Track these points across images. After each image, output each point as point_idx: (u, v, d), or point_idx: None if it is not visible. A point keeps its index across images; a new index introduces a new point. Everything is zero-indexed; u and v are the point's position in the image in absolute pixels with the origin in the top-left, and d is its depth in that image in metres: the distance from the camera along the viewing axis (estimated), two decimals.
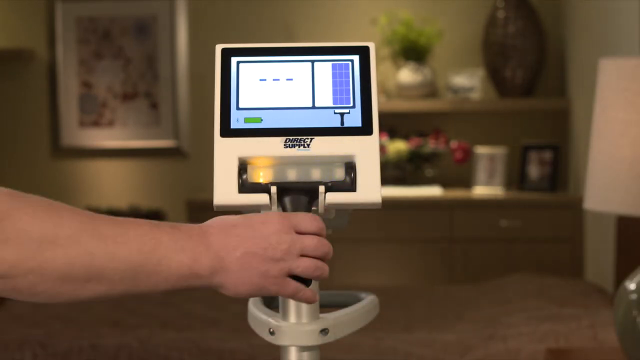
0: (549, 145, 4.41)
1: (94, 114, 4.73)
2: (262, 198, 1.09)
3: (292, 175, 1.09)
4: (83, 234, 0.97)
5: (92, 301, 1.00)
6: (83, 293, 0.98)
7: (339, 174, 1.09)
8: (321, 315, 1.12)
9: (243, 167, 1.09)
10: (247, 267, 1.02)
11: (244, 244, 1.02)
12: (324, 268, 1.06)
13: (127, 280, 0.99)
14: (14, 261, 0.93)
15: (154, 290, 1.01)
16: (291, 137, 1.10)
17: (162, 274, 1.00)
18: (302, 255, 1.04)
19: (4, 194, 0.95)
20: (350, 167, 1.09)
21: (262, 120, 1.12)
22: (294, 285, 1.04)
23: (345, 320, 1.13)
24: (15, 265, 0.94)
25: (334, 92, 1.14)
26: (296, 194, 1.09)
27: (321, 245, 1.05)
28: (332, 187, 1.09)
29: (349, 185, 1.09)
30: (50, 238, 0.95)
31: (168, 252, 1.00)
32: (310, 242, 1.04)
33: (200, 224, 1.05)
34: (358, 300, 1.19)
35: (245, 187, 1.09)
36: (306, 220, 1.05)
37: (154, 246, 0.99)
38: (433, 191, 4.34)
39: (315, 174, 1.09)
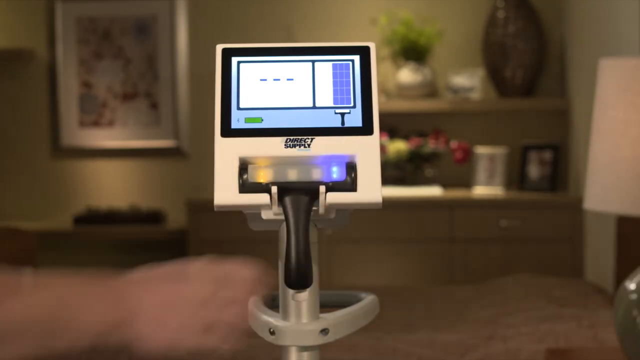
0: (549, 145, 4.41)
1: (94, 114, 4.73)
2: (262, 198, 1.09)
3: (292, 175, 1.09)
4: None
5: None
6: None
7: (340, 174, 1.09)
8: (321, 315, 1.11)
9: (244, 167, 1.09)
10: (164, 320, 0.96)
11: (160, 296, 0.96)
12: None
13: (38, 339, 0.92)
14: None
15: (70, 349, 0.95)
16: (292, 137, 1.10)
17: (73, 331, 0.94)
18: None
19: None
20: (351, 167, 1.09)
21: (262, 120, 1.12)
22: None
23: (345, 320, 1.13)
24: None
25: (335, 92, 1.14)
26: (297, 194, 1.09)
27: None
28: (333, 187, 1.09)
29: (350, 185, 1.08)
30: None
31: (77, 308, 0.95)
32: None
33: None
34: (358, 300, 1.19)
35: (246, 187, 1.08)
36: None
37: (63, 304, 0.94)
38: (433, 191, 4.34)
39: (316, 174, 1.09)
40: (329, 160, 1.09)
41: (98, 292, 0.94)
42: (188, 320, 0.95)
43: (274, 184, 1.08)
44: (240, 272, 0.97)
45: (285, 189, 1.08)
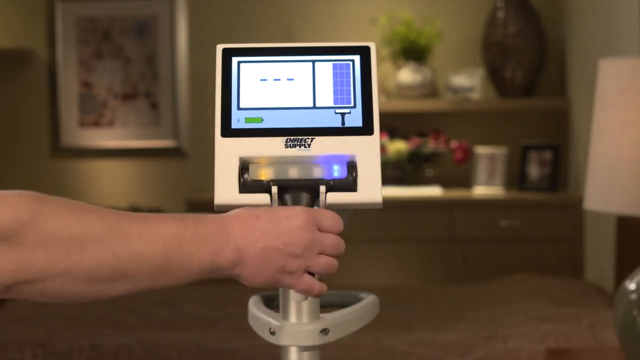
0: (549, 145, 4.41)
1: (94, 114, 4.73)
2: (263, 198, 1.09)
3: (293, 173, 1.09)
4: (109, 236, 0.98)
5: (117, 298, 1.03)
6: (109, 292, 1.00)
7: (341, 172, 1.09)
8: (321, 315, 1.12)
9: (244, 166, 1.09)
10: (266, 261, 1.04)
11: (265, 238, 1.04)
12: (336, 266, 1.09)
13: (151, 277, 1.01)
14: (42, 266, 0.94)
15: (177, 284, 1.04)
16: (292, 137, 1.11)
17: (185, 269, 1.02)
18: (321, 253, 1.07)
19: (31, 197, 0.95)
20: (351, 166, 1.09)
21: (262, 120, 1.12)
22: (308, 280, 1.07)
23: (346, 320, 1.13)
24: (44, 269, 0.95)
25: (335, 92, 1.14)
26: (297, 191, 1.09)
27: (340, 245, 1.08)
28: (333, 185, 1.09)
29: (351, 183, 1.09)
30: (78, 241, 0.96)
31: (191, 248, 1.02)
32: (331, 242, 1.07)
33: (223, 216, 1.06)
34: (358, 300, 1.19)
35: (247, 185, 1.09)
36: (329, 219, 1.07)
37: (178, 243, 1.01)
38: (433, 191, 4.34)
39: (317, 172, 1.09)
40: (329, 159, 1.10)
41: (209, 232, 1.03)
42: (284, 266, 1.05)
43: (274, 182, 1.09)
44: (331, 222, 1.07)
45: (286, 187, 1.09)
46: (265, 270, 1.05)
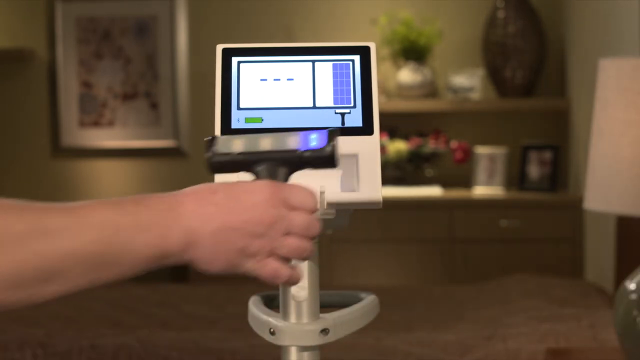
0: (549, 145, 4.41)
1: (94, 114, 4.73)
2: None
3: (266, 144, 1.00)
4: (31, 234, 0.85)
5: (53, 300, 0.90)
6: (39, 296, 0.88)
7: (319, 141, 0.99)
8: (321, 315, 1.11)
9: (212, 137, 1.01)
10: (223, 242, 0.91)
11: (221, 215, 0.91)
12: (311, 250, 0.95)
13: (88, 273, 0.88)
14: None
15: (123, 277, 0.91)
16: None
17: (127, 260, 0.89)
18: (288, 234, 0.93)
19: None
20: (333, 132, 0.99)
21: (262, 120, 1.12)
22: (274, 265, 0.94)
23: (346, 320, 1.13)
24: None
25: (335, 92, 1.14)
26: (270, 165, 0.99)
27: (312, 224, 0.94)
28: (309, 158, 0.98)
29: (328, 154, 0.98)
30: None
31: (131, 234, 0.89)
32: (301, 220, 0.93)
33: (175, 192, 0.93)
34: (358, 300, 1.19)
35: (213, 160, 1.00)
36: (300, 194, 0.94)
37: (113, 232, 0.88)
38: (433, 191, 4.34)
39: (292, 143, 0.99)
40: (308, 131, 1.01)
41: (153, 212, 0.90)
42: (245, 248, 0.92)
43: (244, 154, 0.99)
44: (301, 198, 0.94)
45: (256, 161, 0.99)
46: (222, 253, 0.91)
